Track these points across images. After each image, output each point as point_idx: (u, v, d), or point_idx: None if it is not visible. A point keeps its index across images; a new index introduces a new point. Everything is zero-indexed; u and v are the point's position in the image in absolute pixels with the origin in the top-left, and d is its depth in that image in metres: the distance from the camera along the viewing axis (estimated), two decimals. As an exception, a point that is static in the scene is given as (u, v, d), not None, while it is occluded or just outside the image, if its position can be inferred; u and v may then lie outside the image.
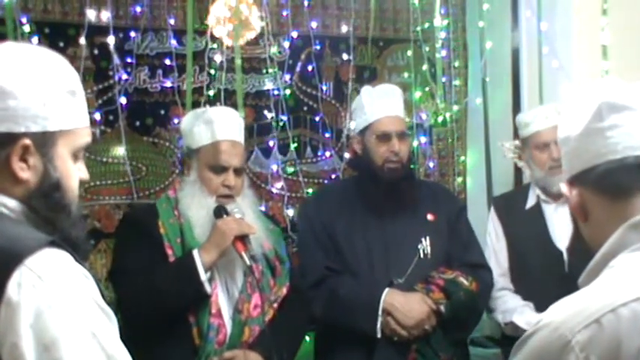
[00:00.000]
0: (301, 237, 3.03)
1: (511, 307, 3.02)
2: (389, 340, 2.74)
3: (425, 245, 2.87)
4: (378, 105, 2.90)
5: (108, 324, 1.25)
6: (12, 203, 1.30)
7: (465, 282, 2.82)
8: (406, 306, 2.72)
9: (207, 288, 2.40)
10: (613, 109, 1.30)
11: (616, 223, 1.28)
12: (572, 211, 1.40)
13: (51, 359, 1.15)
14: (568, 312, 1.20)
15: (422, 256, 2.85)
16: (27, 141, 1.29)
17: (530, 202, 3.11)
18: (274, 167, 3.79)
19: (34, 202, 1.31)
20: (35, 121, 1.30)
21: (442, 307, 2.75)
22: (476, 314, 2.95)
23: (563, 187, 1.41)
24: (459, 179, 4.10)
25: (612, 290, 1.19)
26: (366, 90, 3.01)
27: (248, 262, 2.42)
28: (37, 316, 1.16)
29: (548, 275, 2.95)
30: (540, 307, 2.92)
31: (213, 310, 2.43)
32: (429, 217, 2.94)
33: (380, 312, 2.72)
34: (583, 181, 1.33)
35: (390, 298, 2.73)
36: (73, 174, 1.39)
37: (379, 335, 2.73)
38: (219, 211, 2.49)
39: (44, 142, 1.31)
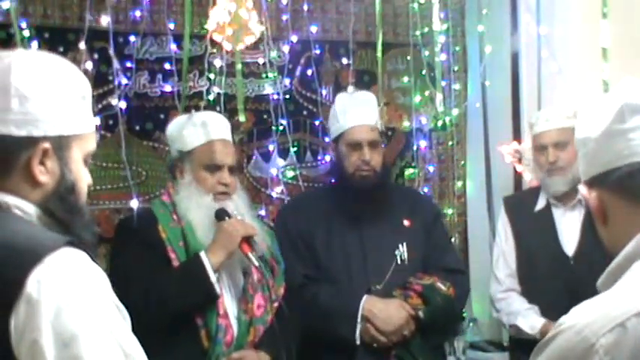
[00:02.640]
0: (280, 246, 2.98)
1: (516, 309, 3.02)
2: (368, 347, 2.74)
3: (402, 251, 2.87)
4: (350, 113, 2.90)
5: (123, 322, 1.28)
6: (29, 207, 1.33)
7: (443, 287, 2.82)
8: (385, 312, 2.72)
9: (217, 289, 2.41)
10: (636, 110, 1.27)
11: (637, 227, 1.25)
12: (592, 213, 1.37)
13: (70, 355, 1.16)
14: (592, 315, 1.18)
15: (399, 261, 2.86)
16: (47, 145, 1.33)
17: (540, 205, 3.10)
18: (274, 171, 3.79)
19: (51, 205, 1.34)
20: (53, 125, 1.34)
21: (420, 313, 2.75)
22: (454, 319, 2.98)
23: (582, 189, 1.38)
24: (459, 183, 4.10)
25: (636, 294, 1.18)
26: (340, 98, 3.02)
27: (256, 263, 2.44)
28: (57, 313, 1.17)
29: (554, 279, 2.95)
30: (545, 311, 2.92)
31: (221, 312, 2.43)
32: (406, 222, 2.94)
33: (359, 319, 2.73)
34: (603, 184, 1.30)
35: (368, 304, 2.74)
36: (85, 178, 1.43)
37: (358, 342, 2.74)
38: (221, 214, 2.50)
39: (61, 145, 1.36)
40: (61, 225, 1.34)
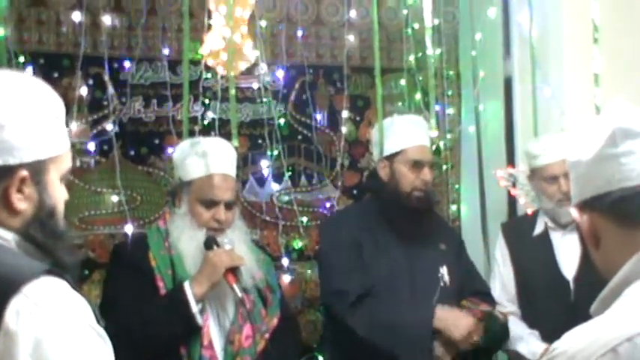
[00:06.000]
0: (327, 257, 2.92)
1: (516, 335, 3.00)
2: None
3: (443, 274, 2.89)
4: (411, 132, 2.91)
5: (105, 350, 1.25)
6: (7, 234, 1.30)
7: (501, 316, 2.88)
8: (456, 320, 2.74)
9: (199, 320, 2.39)
10: (628, 135, 1.27)
11: (629, 251, 1.25)
12: (583, 236, 1.37)
13: None
14: (584, 340, 1.17)
15: (442, 284, 2.87)
16: (24, 172, 1.30)
17: (539, 229, 3.10)
18: (269, 196, 3.79)
19: (32, 230, 1.32)
20: (30, 152, 1.30)
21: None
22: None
23: (574, 212, 1.38)
24: (453, 207, 4.10)
25: (628, 319, 1.17)
26: (398, 118, 3.04)
27: (239, 295, 2.41)
28: (36, 345, 1.15)
29: (554, 303, 2.93)
30: (545, 335, 2.91)
31: (205, 342, 2.41)
32: (442, 246, 2.96)
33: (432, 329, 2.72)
34: (595, 207, 1.30)
35: (439, 314, 2.74)
36: (62, 197, 1.40)
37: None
38: (210, 243, 2.48)
39: (38, 170, 1.32)
40: (43, 250, 1.32)
